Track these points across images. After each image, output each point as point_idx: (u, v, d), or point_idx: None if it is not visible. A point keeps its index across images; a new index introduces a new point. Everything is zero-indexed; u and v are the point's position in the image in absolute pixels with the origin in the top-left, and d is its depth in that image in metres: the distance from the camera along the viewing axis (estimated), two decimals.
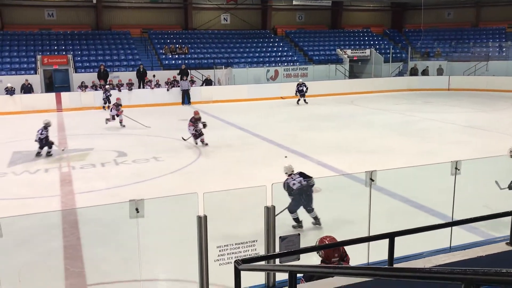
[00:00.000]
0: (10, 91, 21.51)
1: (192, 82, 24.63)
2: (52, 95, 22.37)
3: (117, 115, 17.12)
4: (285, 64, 28.02)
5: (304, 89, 22.99)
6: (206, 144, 13.65)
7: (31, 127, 17.93)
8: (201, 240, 4.12)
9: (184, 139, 13.96)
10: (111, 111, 17.40)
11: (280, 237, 4.32)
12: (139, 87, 24.23)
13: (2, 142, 15.04)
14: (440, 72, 28.94)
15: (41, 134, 12.86)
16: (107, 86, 22.26)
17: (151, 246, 5.61)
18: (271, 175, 9.63)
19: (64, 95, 22.28)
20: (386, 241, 3.38)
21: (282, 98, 23.24)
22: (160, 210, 4.79)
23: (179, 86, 23.87)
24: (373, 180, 5.22)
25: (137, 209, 3.95)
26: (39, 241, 6.99)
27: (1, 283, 5.40)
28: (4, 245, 6.11)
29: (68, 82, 24.54)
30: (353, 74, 29.99)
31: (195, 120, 13.58)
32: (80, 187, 10.10)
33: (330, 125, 17.19)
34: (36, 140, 12.90)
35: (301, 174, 7.59)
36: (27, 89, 22.31)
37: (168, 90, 23.73)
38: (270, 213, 4.32)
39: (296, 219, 7.44)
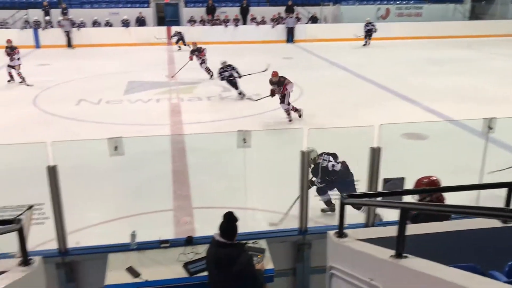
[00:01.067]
0: (125, 24, 22.81)
1: (298, 19, 24.11)
2: (163, 28, 23.28)
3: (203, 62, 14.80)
4: (398, 2, 26.19)
5: (373, 29, 21.46)
6: (290, 121, 10.01)
7: (143, 58, 19.09)
8: (303, 175, 4.17)
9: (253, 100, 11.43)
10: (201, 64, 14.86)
11: (384, 179, 4.24)
12: (244, 24, 24.31)
13: (118, 71, 16.14)
14: None
15: (221, 74, 12.30)
16: (177, 29, 21.89)
17: (255, 177, 5.79)
18: (375, 117, 9.36)
19: (174, 29, 23.07)
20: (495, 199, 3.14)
21: (354, 36, 21.86)
22: (265, 142, 4.88)
23: (284, 23, 23.55)
24: (491, 128, 4.83)
25: (244, 140, 4.07)
26: (152, 164, 7.58)
27: (128, 197, 6.00)
28: (124, 163, 6.73)
29: (178, 16, 25.31)
30: (475, 15, 27.24)
31: (271, 83, 10.12)
32: (188, 118, 10.61)
33: (443, 70, 16.01)
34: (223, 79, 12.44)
35: (329, 154, 5.77)
36: (140, 22, 23.50)
37: (273, 27, 23.53)
38: (375, 154, 4.23)
39: (328, 201, 5.84)
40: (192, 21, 23.33)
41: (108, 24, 23.25)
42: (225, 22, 23.36)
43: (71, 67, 17.00)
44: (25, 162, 4.73)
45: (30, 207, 3.26)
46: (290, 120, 9.98)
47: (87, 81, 14.78)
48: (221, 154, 7.59)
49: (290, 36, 23.30)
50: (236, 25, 23.36)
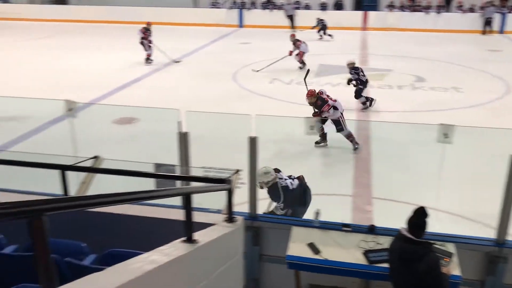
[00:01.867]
0: (323, 7, 23.20)
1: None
2: (359, 13, 23.00)
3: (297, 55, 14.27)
4: None
5: None
6: (355, 148, 7.80)
7: (336, 42, 19.19)
8: (510, 181, 3.72)
9: None
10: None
11: None
12: (447, 11, 22.59)
13: (310, 54, 16.50)
14: None
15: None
16: (321, 17, 20.63)
17: (445, 175, 5.40)
18: None
19: (371, 14, 22.61)
20: None
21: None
22: (463, 140, 4.47)
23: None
24: None
25: (445, 134, 3.81)
26: (335, 149, 7.67)
27: (313, 175, 6.19)
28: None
29: (376, 1, 24.73)
30: None
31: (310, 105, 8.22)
32: (375, 106, 10.37)
33: None
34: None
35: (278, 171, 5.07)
36: (338, 5, 23.65)
37: (481, 16, 21.34)
38: None
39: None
40: (391, 6, 22.58)
41: (307, 7, 23.93)
42: (427, 8, 22.01)
43: (269, 46, 18.02)
44: (228, 130, 5.24)
45: (237, 171, 3.59)
46: (356, 148, 7.74)
47: (281, 61, 15.49)
48: (409, 146, 7.26)
49: (487, 27, 20.84)
50: (439, 12, 21.81)
